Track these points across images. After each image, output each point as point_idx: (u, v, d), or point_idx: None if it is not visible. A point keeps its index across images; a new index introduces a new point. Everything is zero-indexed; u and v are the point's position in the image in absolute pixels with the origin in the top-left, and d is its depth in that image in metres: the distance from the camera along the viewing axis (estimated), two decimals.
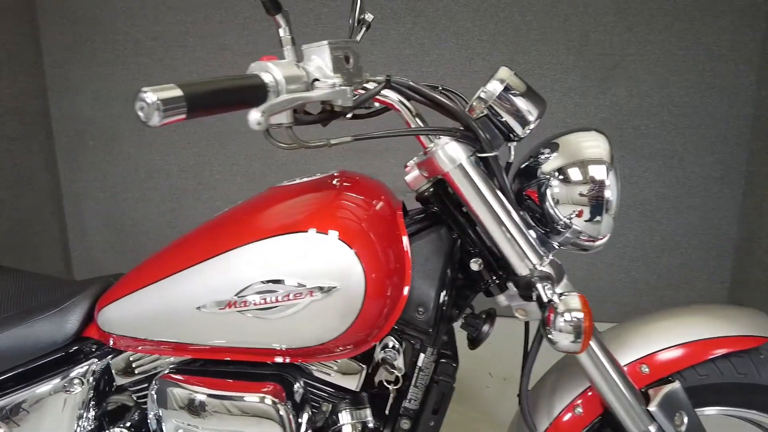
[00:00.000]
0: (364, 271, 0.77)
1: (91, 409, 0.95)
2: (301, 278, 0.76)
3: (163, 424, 0.86)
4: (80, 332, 0.94)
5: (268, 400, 0.82)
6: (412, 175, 0.89)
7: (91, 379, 0.94)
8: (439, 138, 0.81)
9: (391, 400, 0.87)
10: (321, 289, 0.76)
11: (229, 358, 0.86)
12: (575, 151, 0.84)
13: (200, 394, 0.84)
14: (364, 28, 1.16)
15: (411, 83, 0.80)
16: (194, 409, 0.84)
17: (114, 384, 0.97)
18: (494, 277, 0.89)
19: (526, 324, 1.01)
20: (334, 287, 0.76)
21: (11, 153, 2.54)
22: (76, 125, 2.77)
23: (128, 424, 0.97)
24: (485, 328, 0.92)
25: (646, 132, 2.44)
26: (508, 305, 0.91)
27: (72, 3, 2.65)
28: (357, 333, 0.79)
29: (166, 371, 0.89)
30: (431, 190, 0.89)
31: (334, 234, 0.78)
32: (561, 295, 0.72)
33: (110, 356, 0.96)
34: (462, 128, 0.81)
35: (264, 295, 0.77)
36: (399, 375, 0.84)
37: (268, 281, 0.77)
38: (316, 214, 0.82)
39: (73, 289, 0.98)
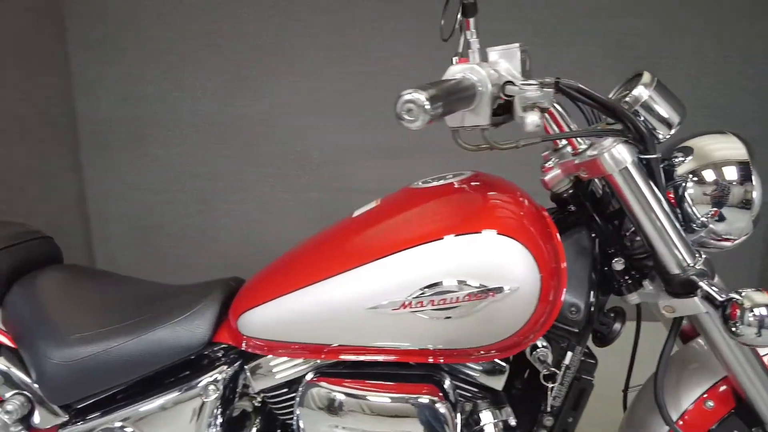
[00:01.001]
0: (540, 273, 0.77)
1: (219, 416, 0.93)
2: (482, 279, 0.76)
3: (312, 427, 0.85)
4: (212, 337, 0.93)
5: (430, 400, 0.81)
6: (552, 174, 0.89)
7: (223, 384, 0.92)
8: (605, 140, 0.81)
9: (550, 398, 0.87)
10: (501, 290, 0.76)
11: (374, 360, 0.86)
12: (714, 153, 0.86)
13: (357, 395, 0.83)
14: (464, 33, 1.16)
15: (579, 85, 0.81)
16: (351, 411, 0.83)
17: (238, 390, 0.96)
18: (627, 277, 0.90)
19: (638, 326, 1.04)
20: (516, 288, 0.76)
21: (40, 154, 2.48)
22: (102, 126, 2.71)
23: (254, 430, 0.96)
24: (616, 326, 0.93)
25: (677, 133, 2.48)
26: (639, 303, 0.93)
27: (100, 2, 2.60)
28: (526, 333, 0.79)
29: (312, 375, 0.88)
30: (570, 191, 0.90)
31: (512, 237, 0.78)
32: (740, 291, 0.73)
33: (238, 362, 0.94)
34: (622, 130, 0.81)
35: (442, 295, 0.76)
36: (554, 373, 0.84)
37: (447, 282, 0.76)
38: (488, 216, 0.82)
39: (198, 294, 0.97)
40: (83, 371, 0.90)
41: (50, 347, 0.92)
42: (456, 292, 0.76)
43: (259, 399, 0.98)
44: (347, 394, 0.83)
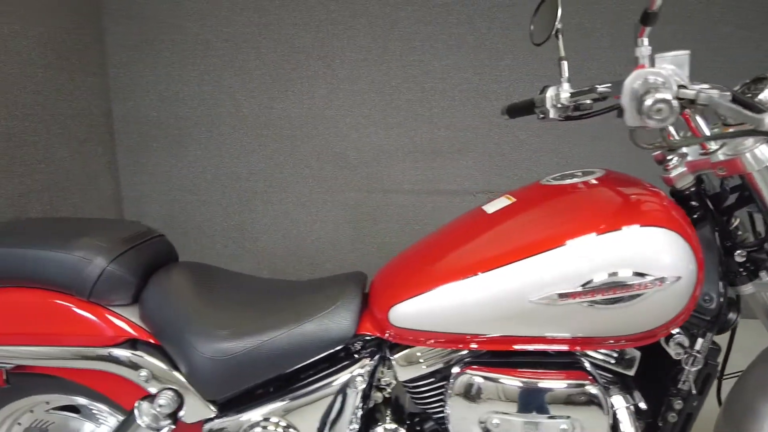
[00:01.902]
0: (696, 263, 0.83)
1: (361, 407, 0.97)
2: (649, 270, 0.81)
3: (464, 415, 0.90)
4: (357, 329, 0.96)
5: (585, 385, 0.87)
6: (678, 171, 0.95)
7: (368, 375, 0.96)
8: (744, 140, 0.87)
9: (681, 383, 0.92)
10: (664, 280, 0.81)
11: (522, 349, 0.90)
12: None
13: (513, 383, 0.88)
14: (561, 37, 1.22)
15: (735, 90, 0.86)
16: (506, 398, 0.88)
17: (375, 381, 1.00)
18: (742, 269, 0.96)
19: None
20: (677, 278, 0.82)
21: (81, 155, 2.48)
22: (140, 127, 2.72)
23: (386, 420, 0.99)
24: (731, 315, 0.99)
25: None
26: (753, 293, 0.99)
27: (139, 3, 2.61)
28: (675, 320, 0.85)
29: (461, 364, 0.92)
30: (692, 189, 0.96)
31: (676, 230, 0.83)
32: None
33: (378, 354, 0.97)
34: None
35: (612, 286, 0.82)
36: (689, 357, 0.90)
37: (617, 273, 0.82)
38: (650, 210, 0.87)
39: (336, 288, 1.00)
40: (238, 366, 0.93)
41: (202, 342, 0.93)
42: (626, 282, 0.82)
43: (389, 390, 1.02)
44: (503, 382, 0.88)
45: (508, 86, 2.59)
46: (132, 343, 0.98)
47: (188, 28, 2.62)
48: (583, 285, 0.83)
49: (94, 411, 1.12)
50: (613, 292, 0.82)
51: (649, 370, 0.97)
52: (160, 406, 0.94)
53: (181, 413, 0.98)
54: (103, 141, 2.65)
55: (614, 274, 0.82)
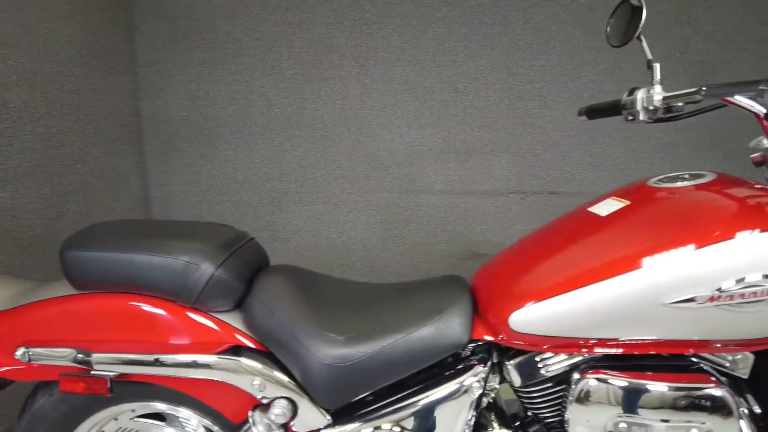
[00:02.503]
0: None
1: (475, 412, 0.96)
2: None
3: (588, 419, 0.89)
4: (471, 334, 0.95)
5: (715, 388, 0.86)
6: None
7: (484, 380, 0.95)
8: None
9: None
10: None
11: (648, 352, 0.90)
12: None
13: (640, 387, 0.87)
14: (644, 39, 1.22)
15: None
16: (633, 403, 0.87)
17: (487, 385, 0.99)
18: None
19: None
20: None
21: (112, 155, 2.45)
22: (168, 127, 2.69)
23: (494, 425, 0.99)
24: None
25: (739, 135, 2.61)
26: None
27: (170, 1, 2.57)
28: None
29: (581, 369, 0.92)
30: None
31: None
32: None
33: (489, 360, 0.97)
34: None
35: (746, 289, 0.81)
36: None
37: (750, 277, 0.81)
38: None
39: (445, 292, 0.99)
40: (357, 372, 0.91)
41: (320, 349, 0.91)
42: (759, 285, 0.81)
43: (492, 395, 1.01)
44: (629, 386, 0.88)
45: (542, 87, 2.59)
46: (235, 350, 0.96)
47: (220, 27, 2.59)
48: (717, 288, 0.82)
49: (180, 418, 1.09)
50: (751, 296, 0.82)
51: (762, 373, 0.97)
52: (276, 415, 0.92)
53: (293, 422, 0.96)
54: (131, 141, 2.62)
55: (746, 278, 0.82)
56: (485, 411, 1.02)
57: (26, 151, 1.91)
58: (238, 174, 2.72)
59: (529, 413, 0.99)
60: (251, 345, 0.96)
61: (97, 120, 2.33)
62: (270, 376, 0.94)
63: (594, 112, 1.26)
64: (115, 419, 1.07)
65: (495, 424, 0.99)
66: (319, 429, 0.97)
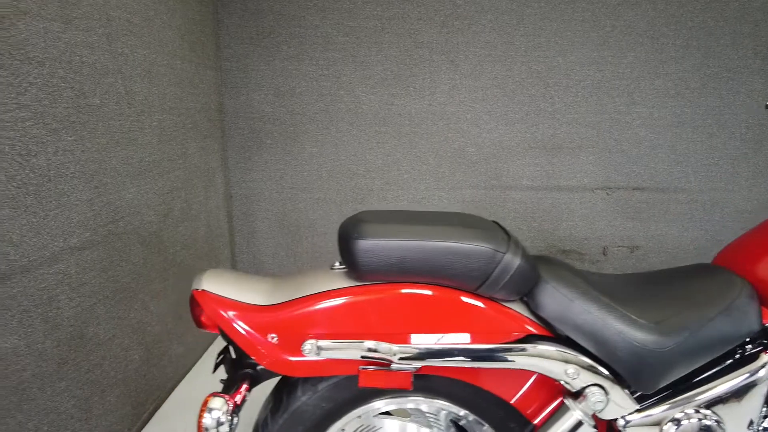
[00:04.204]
0: None
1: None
2: None
3: None
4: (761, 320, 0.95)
5: None
6: None
7: None
8: None
9: None
10: None
11: None
12: None
13: None
14: None
15: None
16: None
17: None
18: None
19: None
20: None
21: (203, 151, 2.39)
22: (252, 123, 2.65)
23: None
24: None
25: None
26: None
27: None
28: None
29: None
30: None
31: None
32: None
33: None
34: None
35: None
36: None
37: None
38: None
39: (712, 279, 0.98)
40: (671, 358, 0.90)
41: (637, 334, 0.89)
42: None
43: None
44: None
45: (630, 83, 2.61)
46: (527, 340, 0.93)
47: (308, 21, 2.55)
48: None
49: (427, 414, 1.06)
50: None
51: None
52: (595, 402, 0.90)
53: (603, 409, 0.93)
54: (217, 137, 2.56)
55: None
56: None
57: (146, 145, 1.86)
58: (323, 171, 2.68)
59: None
60: (541, 334, 0.93)
61: (194, 115, 2.28)
62: (584, 363, 0.91)
63: None
64: (358, 416, 1.03)
65: None
66: (624, 416, 0.95)
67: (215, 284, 0.94)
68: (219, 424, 0.85)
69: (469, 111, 2.62)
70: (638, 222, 2.74)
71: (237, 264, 2.79)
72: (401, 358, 0.88)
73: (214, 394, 0.87)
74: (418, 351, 0.88)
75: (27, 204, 1.29)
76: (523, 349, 0.89)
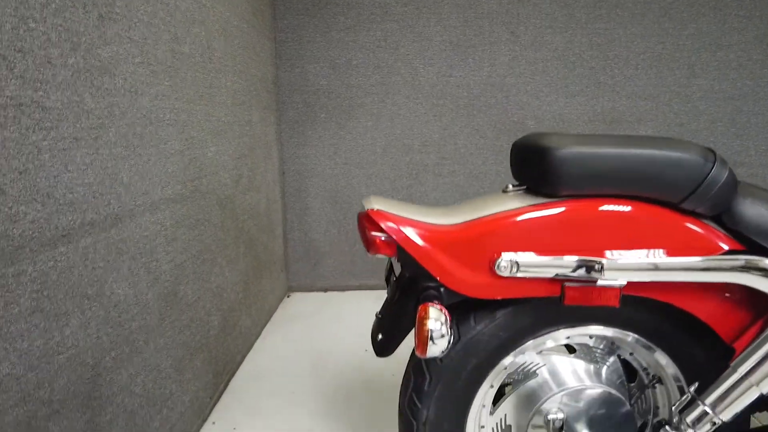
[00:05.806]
0: None
1: None
2: None
3: None
4: None
5: None
6: None
7: None
8: None
9: None
10: None
11: None
12: None
13: None
14: None
15: None
16: None
17: None
18: None
19: None
20: None
21: (263, 122, 2.33)
22: (306, 96, 2.58)
23: None
24: None
25: None
26: None
27: None
28: None
29: None
30: None
31: None
32: None
33: None
34: None
35: None
36: None
37: None
38: None
39: None
40: None
41: None
42: None
43: None
44: None
45: (690, 55, 2.57)
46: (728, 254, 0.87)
47: None
48: None
49: (596, 350, 1.00)
50: None
51: None
52: None
53: None
54: (273, 110, 2.50)
55: None
56: None
57: (222, 104, 1.79)
58: (377, 146, 2.62)
59: None
60: (739, 249, 0.87)
61: (256, 83, 2.22)
62: None
63: None
64: (523, 352, 0.97)
65: None
66: None
67: (388, 206, 0.88)
68: (441, 335, 0.79)
69: (529, 83, 2.58)
70: None
71: (288, 242, 2.72)
72: (611, 273, 0.81)
73: (428, 305, 0.81)
74: (630, 265, 0.82)
75: (135, 145, 1.22)
76: (738, 261, 0.83)
